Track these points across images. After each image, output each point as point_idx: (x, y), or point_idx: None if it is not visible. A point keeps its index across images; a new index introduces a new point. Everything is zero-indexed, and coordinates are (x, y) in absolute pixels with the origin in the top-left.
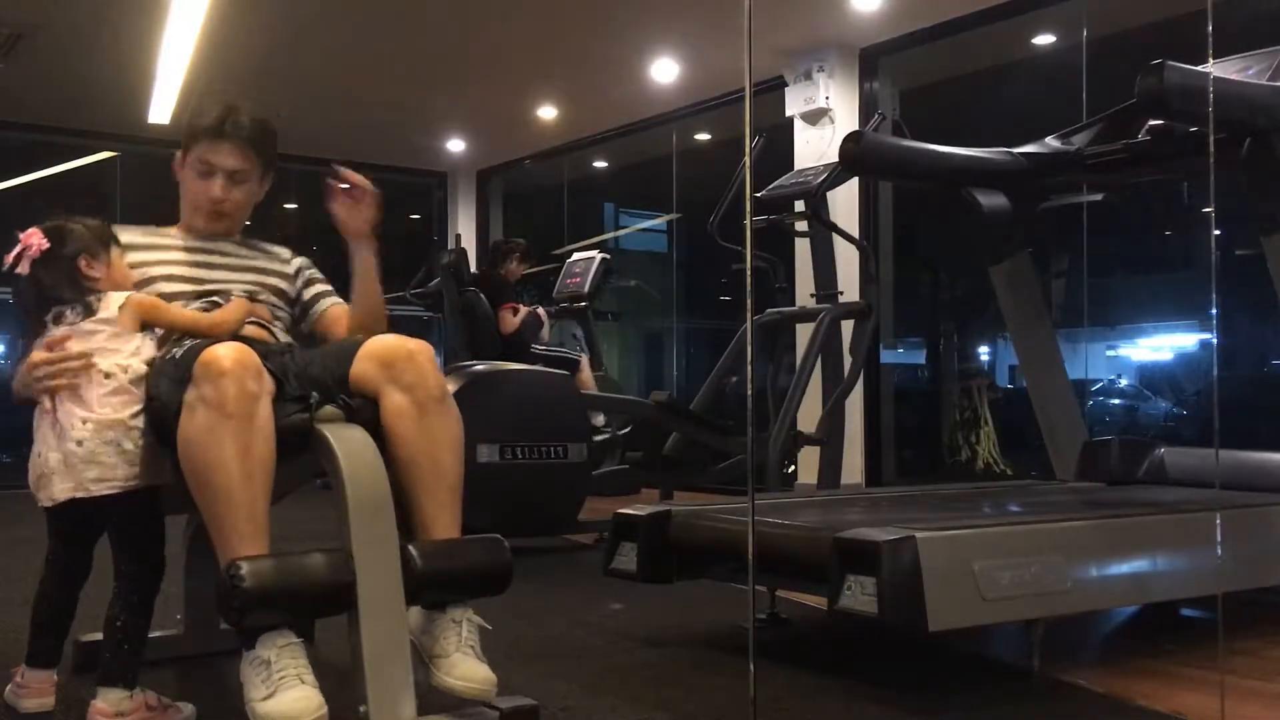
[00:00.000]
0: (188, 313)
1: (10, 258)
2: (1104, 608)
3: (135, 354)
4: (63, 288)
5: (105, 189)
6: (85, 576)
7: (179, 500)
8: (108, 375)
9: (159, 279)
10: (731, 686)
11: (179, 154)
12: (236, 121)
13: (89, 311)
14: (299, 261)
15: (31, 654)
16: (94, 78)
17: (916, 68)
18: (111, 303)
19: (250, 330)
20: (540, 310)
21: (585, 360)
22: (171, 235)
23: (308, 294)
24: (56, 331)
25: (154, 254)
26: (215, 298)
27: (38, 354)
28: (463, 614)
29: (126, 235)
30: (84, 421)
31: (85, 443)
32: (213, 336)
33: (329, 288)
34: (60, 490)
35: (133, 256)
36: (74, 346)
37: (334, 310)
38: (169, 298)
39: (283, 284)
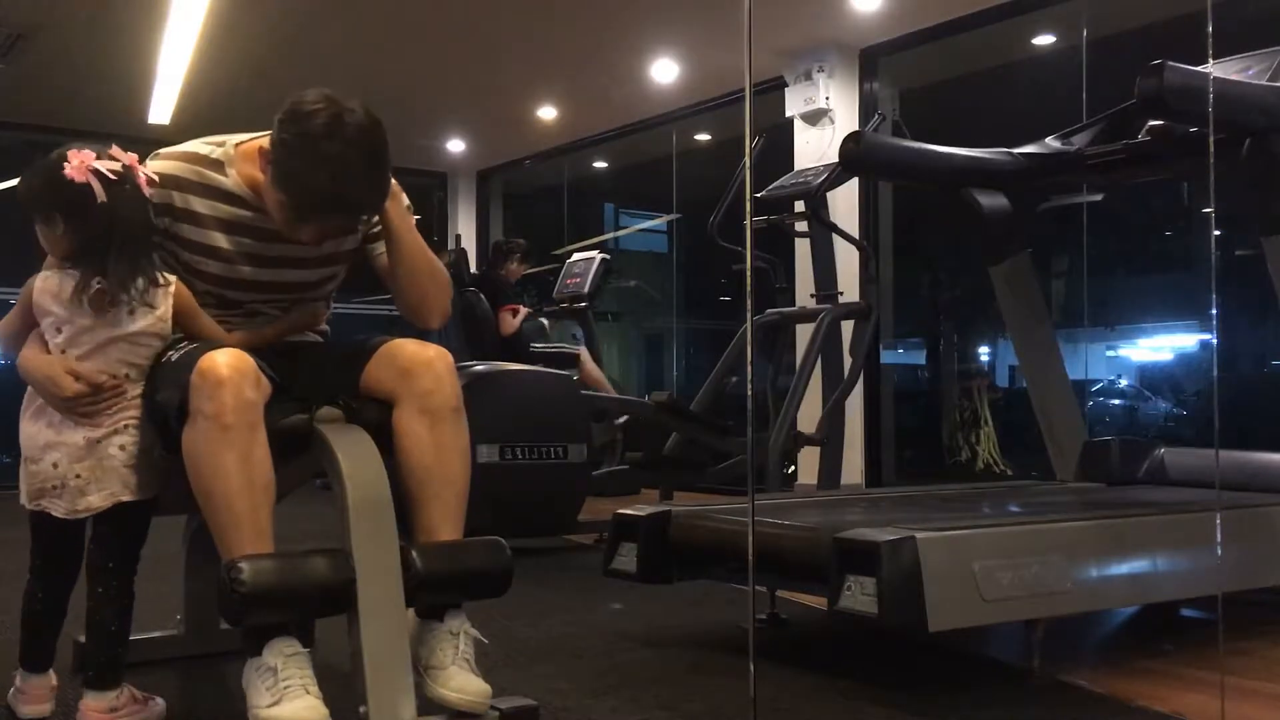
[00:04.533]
0: (215, 327)
1: (136, 163)
2: (1104, 608)
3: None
4: (144, 255)
5: None
6: (76, 575)
7: (179, 500)
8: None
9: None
10: (731, 686)
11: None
12: None
13: (146, 301)
14: None
15: (23, 657)
16: (94, 78)
17: (916, 68)
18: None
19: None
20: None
21: (585, 353)
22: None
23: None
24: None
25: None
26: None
27: (74, 386)
28: (460, 625)
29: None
30: (126, 426)
31: (127, 448)
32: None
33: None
34: (99, 499)
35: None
36: (115, 355)
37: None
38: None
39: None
